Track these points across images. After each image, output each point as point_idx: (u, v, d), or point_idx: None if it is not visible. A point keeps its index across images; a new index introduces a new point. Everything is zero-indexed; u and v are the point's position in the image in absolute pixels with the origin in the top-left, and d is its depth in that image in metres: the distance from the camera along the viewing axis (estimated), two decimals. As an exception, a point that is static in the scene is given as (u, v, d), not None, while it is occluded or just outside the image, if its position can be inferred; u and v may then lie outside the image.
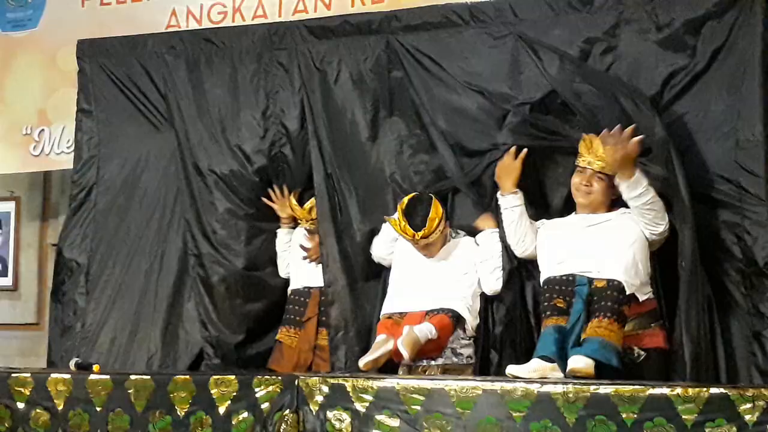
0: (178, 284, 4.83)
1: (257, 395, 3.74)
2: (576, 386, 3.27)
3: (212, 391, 3.80)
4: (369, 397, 3.54)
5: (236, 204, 4.78)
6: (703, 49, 3.98)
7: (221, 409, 3.77)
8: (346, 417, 3.56)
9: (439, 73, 4.39)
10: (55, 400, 4.01)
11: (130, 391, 3.90)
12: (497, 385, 3.39)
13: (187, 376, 3.89)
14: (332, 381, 3.65)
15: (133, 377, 3.95)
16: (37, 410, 4.02)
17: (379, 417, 3.51)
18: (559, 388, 3.28)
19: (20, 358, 6.24)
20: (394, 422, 3.48)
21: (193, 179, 4.84)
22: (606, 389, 3.22)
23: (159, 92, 5.01)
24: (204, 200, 4.81)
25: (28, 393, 4.06)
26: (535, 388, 3.33)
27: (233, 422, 3.75)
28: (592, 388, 3.25)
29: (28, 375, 4.12)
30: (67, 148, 5.65)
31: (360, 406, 3.55)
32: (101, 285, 5.00)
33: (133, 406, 3.88)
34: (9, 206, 6.64)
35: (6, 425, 4.04)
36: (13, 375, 4.14)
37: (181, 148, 4.88)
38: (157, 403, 3.85)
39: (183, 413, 3.80)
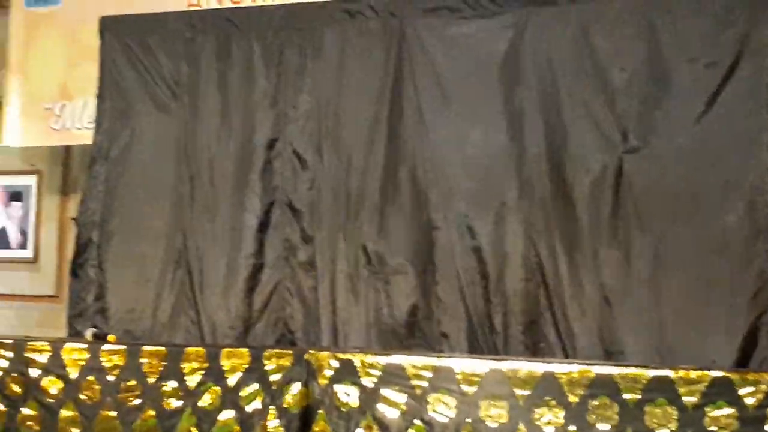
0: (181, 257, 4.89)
1: (267, 368, 3.81)
2: (580, 367, 3.31)
3: (223, 363, 3.87)
4: (377, 373, 3.60)
5: (239, 184, 4.83)
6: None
7: (231, 381, 3.84)
8: (354, 391, 3.62)
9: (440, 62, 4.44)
10: (68, 369, 4.08)
11: (143, 361, 3.97)
12: (503, 365, 3.44)
13: (200, 348, 3.96)
14: (341, 356, 3.71)
15: (146, 348, 4.02)
16: (51, 378, 4.10)
17: (385, 392, 3.57)
18: (563, 369, 3.32)
19: (39, 329, 6.30)
20: (401, 398, 3.53)
21: (200, 159, 4.91)
22: (609, 370, 3.26)
23: (177, 71, 5.06)
24: (206, 181, 4.88)
25: (43, 361, 4.13)
26: (539, 368, 3.38)
27: (242, 394, 3.82)
28: (595, 369, 3.29)
29: (45, 343, 4.20)
30: (88, 123, 5.69)
31: (368, 381, 3.60)
32: (114, 258, 5.06)
33: (146, 376, 3.95)
34: (31, 180, 6.73)
35: (18, 392, 4.11)
36: (29, 343, 4.21)
37: (191, 128, 4.95)
38: (169, 374, 3.92)
39: (194, 384, 3.87)
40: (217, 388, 3.84)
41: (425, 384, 3.50)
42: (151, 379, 3.95)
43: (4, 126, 6.05)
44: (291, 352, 3.85)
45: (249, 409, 3.79)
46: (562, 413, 3.28)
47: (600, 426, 3.22)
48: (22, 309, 6.66)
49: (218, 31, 4.97)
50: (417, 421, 3.47)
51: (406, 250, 4.44)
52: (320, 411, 3.68)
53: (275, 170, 4.80)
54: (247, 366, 3.85)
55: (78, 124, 5.78)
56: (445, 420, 3.44)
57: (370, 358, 3.65)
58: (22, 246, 6.80)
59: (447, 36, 4.46)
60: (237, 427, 3.77)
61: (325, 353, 3.77)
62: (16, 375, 4.13)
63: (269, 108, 4.82)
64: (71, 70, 5.91)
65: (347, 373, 3.67)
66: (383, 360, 3.62)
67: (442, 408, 3.44)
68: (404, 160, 4.50)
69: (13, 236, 6.85)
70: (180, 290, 4.90)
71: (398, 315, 4.32)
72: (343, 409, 3.63)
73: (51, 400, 4.06)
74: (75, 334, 4.98)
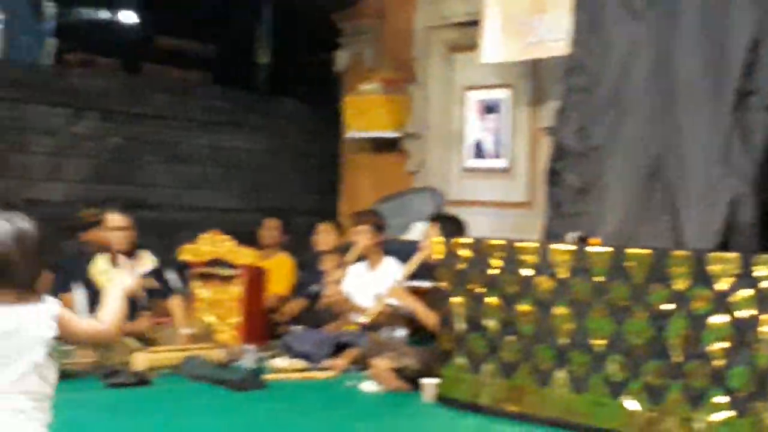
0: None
1: (759, 274, 3.72)
2: None
3: (711, 268, 3.84)
4: None
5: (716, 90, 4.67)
6: None
7: (720, 286, 3.81)
8: None
9: None
10: (557, 269, 4.32)
11: (628, 264, 4.08)
12: None
13: (687, 252, 3.98)
14: None
15: (631, 250, 4.12)
16: (542, 277, 4.37)
17: None
18: None
19: (513, 235, 6.72)
20: None
21: (676, 65, 4.80)
22: None
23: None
24: (681, 88, 4.76)
25: (532, 261, 4.41)
26: None
27: (732, 299, 3.77)
28: None
29: (533, 245, 4.48)
30: (560, 34, 5.85)
31: None
32: (590, 164, 5.18)
33: (632, 278, 4.06)
34: (504, 93, 7.13)
35: (514, 289, 4.45)
36: (517, 245, 4.52)
37: (666, 33, 4.86)
38: (656, 277, 3.99)
39: (682, 287, 3.90)
40: (707, 293, 3.83)
41: None
42: (638, 281, 4.04)
43: (483, 43, 6.45)
44: (784, 258, 3.72)
45: (741, 314, 3.74)
46: None
47: None
48: (497, 215, 7.14)
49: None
50: None
51: None
52: (820, 320, 3.54)
53: (755, 75, 4.59)
54: (737, 271, 3.78)
55: (552, 37, 5.96)
56: None
57: None
58: (497, 156, 7.25)
59: None
60: (730, 332, 3.75)
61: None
62: (510, 274, 4.46)
63: (750, 6, 4.60)
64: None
65: None
66: None
67: None
68: None
69: (489, 147, 7.32)
70: (656, 197, 4.91)
71: None
72: None
73: (543, 298, 4.34)
74: (552, 237, 5.23)
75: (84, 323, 2.61)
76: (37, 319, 2.42)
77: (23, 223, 2.47)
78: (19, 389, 2.38)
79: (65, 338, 2.49)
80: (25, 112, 6.94)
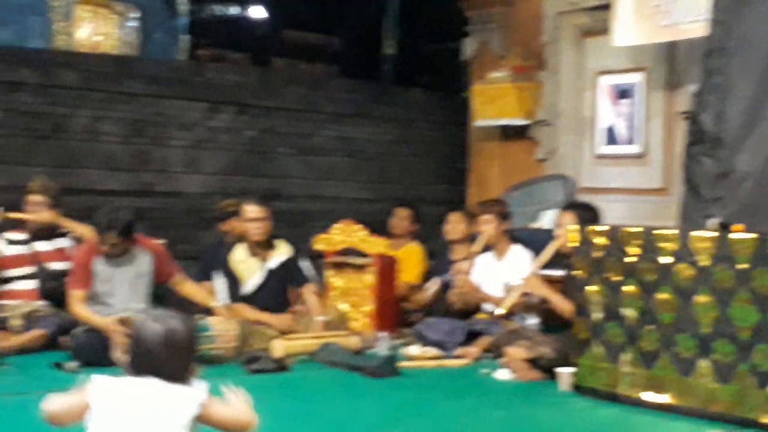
0: None
1: None
2: None
3: None
4: None
5: None
6: None
7: None
8: None
9: None
10: (697, 256, 4.21)
11: (773, 251, 3.96)
12: None
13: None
14: None
15: (777, 238, 3.98)
16: (681, 265, 4.26)
17: None
18: None
19: (647, 222, 6.58)
20: None
21: None
22: None
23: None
24: None
25: (672, 248, 4.31)
26: None
27: None
28: None
29: (673, 232, 4.37)
30: (697, 16, 5.69)
31: None
32: (730, 149, 5.03)
33: (779, 266, 3.93)
34: (637, 77, 6.97)
35: (652, 277, 4.35)
36: (656, 232, 4.42)
37: None
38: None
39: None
40: None
41: None
42: (788, 269, 3.91)
43: (615, 27, 6.33)
44: None
45: None
46: None
47: None
48: (632, 202, 7.00)
49: None
50: None
51: None
52: None
53: None
54: None
55: (687, 19, 5.81)
56: None
57: None
58: (630, 142, 7.11)
59: None
60: None
61: None
62: (648, 262, 4.37)
63: None
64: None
65: None
66: None
67: None
68: None
69: (622, 133, 7.19)
70: None
71: None
72: None
73: (683, 286, 4.24)
74: (690, 224, 5.09)
75: (228, 411, 2.59)
76: (182, 399, 2.48)
77: (173, 321, 2.52)
78: None
79: (206, 422, 2.52)
80: (164, 107, 7.18)
